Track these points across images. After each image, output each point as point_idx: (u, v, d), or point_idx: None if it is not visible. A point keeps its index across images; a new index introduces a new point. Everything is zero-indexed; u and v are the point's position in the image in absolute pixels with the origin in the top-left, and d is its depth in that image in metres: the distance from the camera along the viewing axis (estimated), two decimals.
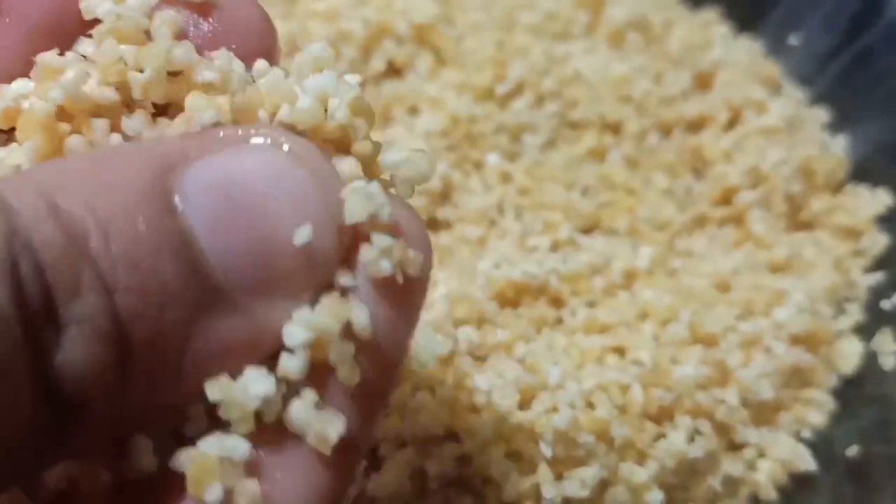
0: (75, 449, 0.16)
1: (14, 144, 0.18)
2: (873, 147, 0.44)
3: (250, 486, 0.16)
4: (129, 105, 0.19)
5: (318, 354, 0.17)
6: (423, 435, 0.32)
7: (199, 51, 0.19)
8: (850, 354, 0.38)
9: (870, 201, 0.42)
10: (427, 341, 0.18)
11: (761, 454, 0.35)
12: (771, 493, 0.35)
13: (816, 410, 0.37)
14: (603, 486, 0.31)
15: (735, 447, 0.35)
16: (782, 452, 0.35)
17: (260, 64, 0.19)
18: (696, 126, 0.44)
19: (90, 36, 0.19)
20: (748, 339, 0.35)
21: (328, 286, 0.17)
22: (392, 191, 0.19)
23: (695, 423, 0.33)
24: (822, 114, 0.45)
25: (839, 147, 0.44)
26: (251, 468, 0.16)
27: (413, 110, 0.41)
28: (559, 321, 0.35)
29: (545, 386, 0.32)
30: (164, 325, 0.15)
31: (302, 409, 0.17)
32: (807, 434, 0.36)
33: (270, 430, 0.17)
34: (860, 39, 0.45)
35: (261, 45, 0.20)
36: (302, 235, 0.16)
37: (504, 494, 0.31)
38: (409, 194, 0.19)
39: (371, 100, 0.42)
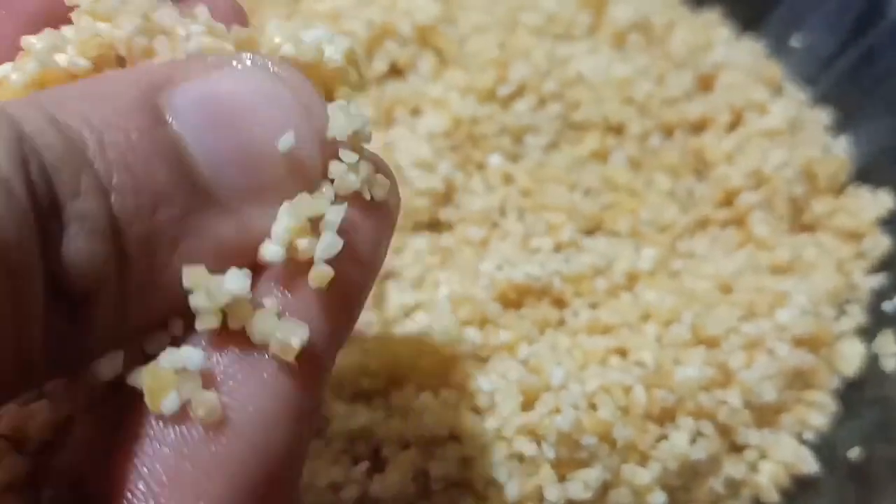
0: (80, 353, 0.16)
1: None
2: (876, 148, 0.44)
3: (207, 397, 0.16)
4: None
5: (294, 253, 0.17)
6: (427, 436, 0.32)
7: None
8: (851, 356, 0.38)
9: (872, 203, 0.42)
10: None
11: (763, 456, 0.35)
12: (773, 495, 0.35)
13: (818, 412, 0.37)
14: (605, 487, 0.31)
15: (737, 449, 0.35)
16: (784, 454, 0.35)
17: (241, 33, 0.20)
18: (698, 127, 0.44)
19: None
20: (750, 340, 0.35)
21: None
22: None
23: (697, 424, 0.33)
24: (824, 115, 0.46)
25: (841, 149, 0.44)
26: (210, 380, 0.16)
27: (415, 111, 0.41)
28: (562, 322, 0.35)
29: (548, 387, 0.32)
30: (157, 224, 0.16)
31: (265, 318, 0.17)
32: (809, 436, 0.36)
33: (232, 342, 0.17)
34: (862, 40, 0.45)
35: (236, 21, 0.21)
36: (286, 142, 0.17)
37: (507, 496, 0.31)
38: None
39: (374, 101, 0.42)
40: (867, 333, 0.39)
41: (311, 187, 0.18)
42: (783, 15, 0.48)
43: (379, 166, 0.19)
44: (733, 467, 0.34)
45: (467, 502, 0.31)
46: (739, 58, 0.46)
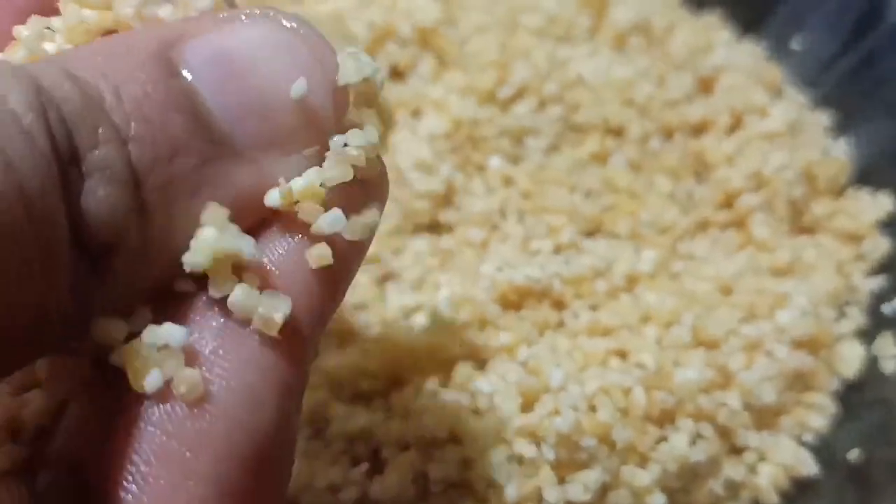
0: (102, 308, 0.16)
1: None
2: (876, 151, 0.44)
3: (189, 374, 0.16)
4: None
5: (297, 211, 0.17)
6: (426, 438, 0.32)
7: None
8: (851, 358, 0.38)
9: (871, 205, 0.42)
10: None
11: (763, 458, 0.35)
12: (772, 497, 0.35)
13: (818, 414, 0.37)
14: (605, 489, 0.31)
15: (737, 451, 0.35)
16: (784, 456, 0.35)
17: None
18: (698, 130, 0.44)
19: None
20: (750, 342, 0.35)
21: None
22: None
23: (697, 426, 0.33)
24: (824, 118, 0.46)
25: (841, 151, 0.44)
26: (193, 357, 0.17)
27: (416, 113, 0.41)
28: (561, 324, 0.35)
29: (547, 389, 0.32)
30: (175, 172, 0.16)
31: (246, 291, 0.17)
32: (808, 438, 0.36)
33: (214, 317, 0.17)
34: (862, 43, 0.45)
35: None
36: (298, 89, 0.17)
37: (506, 497, 0.31)
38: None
39: None
40: (867, 335, 0.39)
41: (325, 136, 0.18)
42: (783, 17, 0.48)
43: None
44: (733, 469, 0.34)
45: None
46: (740, 60, 0.46)
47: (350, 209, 0.18)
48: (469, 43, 0.43)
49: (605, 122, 0.41)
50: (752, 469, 0.35)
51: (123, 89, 0.16)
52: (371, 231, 0.19)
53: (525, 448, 0.31)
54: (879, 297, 0.40)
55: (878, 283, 0.40)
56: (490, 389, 0.32)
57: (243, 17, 0.18)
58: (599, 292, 0.36)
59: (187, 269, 0.16)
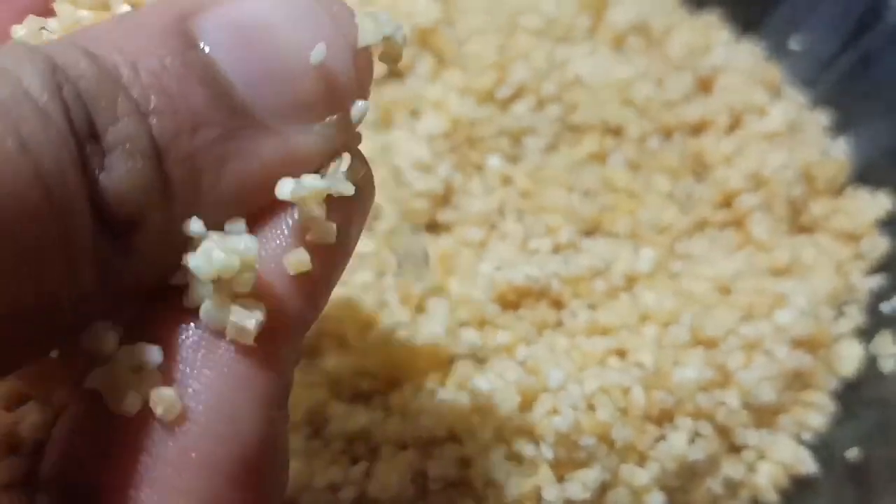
0: (129, 287, 0.16)
1: None
2: (875, 150, 0.44)
3: (166, 393, 0.16)
4: None
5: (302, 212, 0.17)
6: (425, 437, 0.32)
7: None
8: (850, 357, 0.38)
9: (870, 205, 0.42)
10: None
11: (762, 456, 0.35)
12: (771, 496, 0.35)
13: (817, 413, 0.37)
14: (604, 488, 0.31)
15: (735, 449, 0.35)
16: (783, 455, 0.35)
17: None
18: (697, 130, 0.44)
19: None
20: (749, 341, 0.35)
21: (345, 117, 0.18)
22: None
23: (695, 425, 0.33)
24: (823, 117, 0.46)
25: (840, 150, 0.44)
26: (168, 375, 0.16)
27: (414, 113, 0.41)
28: (560, 323, 0.36)
29: (546, 388, 0.32)
30: (199, 145, 0.16)
31: (218, 301, 0.16)
32: (807, 436, 0.36)
33: (187, 330, 0.17)
34: (861, 43, 0.45)
35: None
36: (317, 54, 0.17)
37: (505, 496, 0.31)
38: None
39: (372, 103, 0.42)
40: (865, 334, 0.39)
41: (348, 102, 0.18)
42: (782, 17, 0.48)
43: (355, 154, 0.19)
44: (732, 468, 0.34)
45: (466, 503, 0.31)
46: (739, 60, 0.47)
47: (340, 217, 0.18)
48: (468, 43, 0.43)
49: (603, 122, 0.41)
50: (751, 468, 0.35)
51: (141, 63, 0.16)
52: (354, 238, 0.19)
53: (524, 447, 0.31)
54: (878, 297, 0.40)
55: (876, 282, 0.40)
56: (489, 388, 0.32)
57: None
58: (598, 292, 0.36)
59: (195, 273, 0.16)
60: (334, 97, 0.18)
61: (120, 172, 0.15)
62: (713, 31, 0.49)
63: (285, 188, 0.17)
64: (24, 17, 0.19)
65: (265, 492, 0.17)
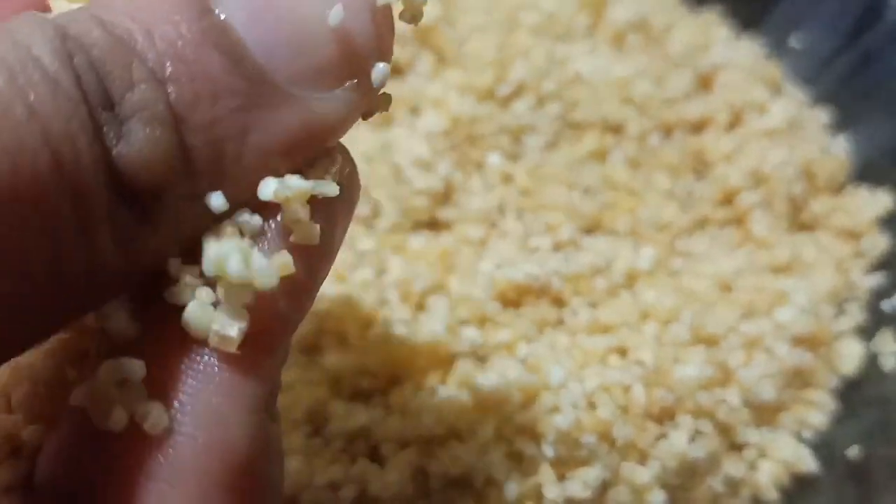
0: (153, 258, 0.16)
1: None
2: (875, 148, 0.44)
3: (151, 406, 0.16)
4: None
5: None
6: (425, 435, 0.32)
7: None
8: (850, 355, 0.38)
9: (871, 202, 0.42)
10: None
11: (762, 454, 0.35)
12: (772, 494, 0.35)
13: (817, 411, 0.37)
14: (605, 486, 0.31)
15: (736, 447, 0.35)
16: (783, 453, 0.35)
17: None
18: (697, 127, 0.44)
19: None
20: (749, 339, 0.35)
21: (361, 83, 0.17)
22: None
23: (696, 423, 0.33)
24: (823, 115, 0.46)
25: (840, 148, 0.44)
26: (153, 387, 0.16)
27: (414, 111, 0.41)
28: (561, 321, 0.35)
29: (547, 386, 0.32)
30: (219, 113, 0.16)
31: (197, 309, 0.16)
32: (808, 434, 0.36)
33: (170, 340, 0.16)
34: (862, 40, 0.45)
35: None
36: (335, 16, 0.17)
37: (506, 495, 0.31)
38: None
39: None
40: (866, 332, 0.39)
41: (368, 65, 0.17)
42: (782, 15, 0.48)
43: (341, 152, 0.19)
44: (732, 466, 0.34)
45: (466, 501, 0.31)
46: (739, 57, 0.46)
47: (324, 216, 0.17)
48: (468, 41, 0.43)
49: (603, 120, 0.41)
50: (752, 466, 0.35)
51: (155, 31, 0.16)
52: (339, 239, 0.18)
53: (525, 445, 0.31)
54: (879, 294, 0.40)
55: (877, 279, 0.40)
56: (489, 387, 0.32)
57: None
58: (599, 290, 0.36)
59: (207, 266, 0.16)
60: (354, 60, 0.17)
61: (138, 138, 0.15)
62: (713, 28, 0.49)
63: (268, 189, 0.16)
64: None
65: (261, 495, 0.17)
